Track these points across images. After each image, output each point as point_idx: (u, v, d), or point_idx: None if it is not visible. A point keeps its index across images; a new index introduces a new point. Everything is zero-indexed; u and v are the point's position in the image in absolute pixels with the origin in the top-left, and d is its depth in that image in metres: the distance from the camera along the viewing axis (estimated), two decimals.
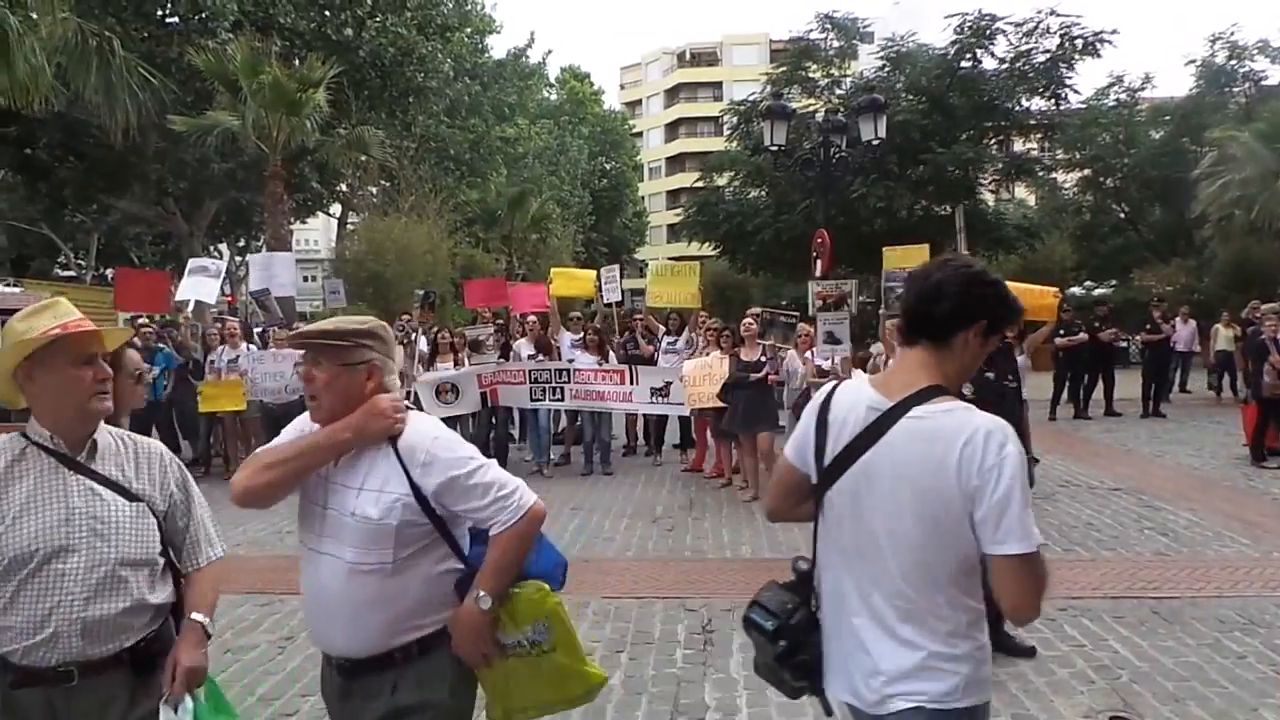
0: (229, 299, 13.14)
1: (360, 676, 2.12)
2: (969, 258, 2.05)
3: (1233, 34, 26.44)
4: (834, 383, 2.05)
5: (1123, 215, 28.83)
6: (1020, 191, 30.16)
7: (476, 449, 2.18)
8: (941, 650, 1.79)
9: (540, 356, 10.05)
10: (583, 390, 9.71)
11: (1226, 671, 4.19)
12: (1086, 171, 28.25)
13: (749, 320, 8.86)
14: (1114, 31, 20.32)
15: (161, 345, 10.54)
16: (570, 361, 9.93)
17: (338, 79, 16.59)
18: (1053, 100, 21.52)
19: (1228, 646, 4.48)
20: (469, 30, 28.04)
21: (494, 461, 2.17)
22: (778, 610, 2.00)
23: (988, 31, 20.65)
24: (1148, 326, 14.27)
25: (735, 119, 23.70)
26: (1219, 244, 21.16)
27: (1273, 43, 25.96)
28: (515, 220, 29.73)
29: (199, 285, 11.56)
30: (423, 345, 10.30)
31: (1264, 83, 26.22)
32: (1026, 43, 20.80)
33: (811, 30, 22.98)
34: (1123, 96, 27.44)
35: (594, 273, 11.87)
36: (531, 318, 10.83)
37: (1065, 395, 13.74)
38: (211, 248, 27.59)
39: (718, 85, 63.08)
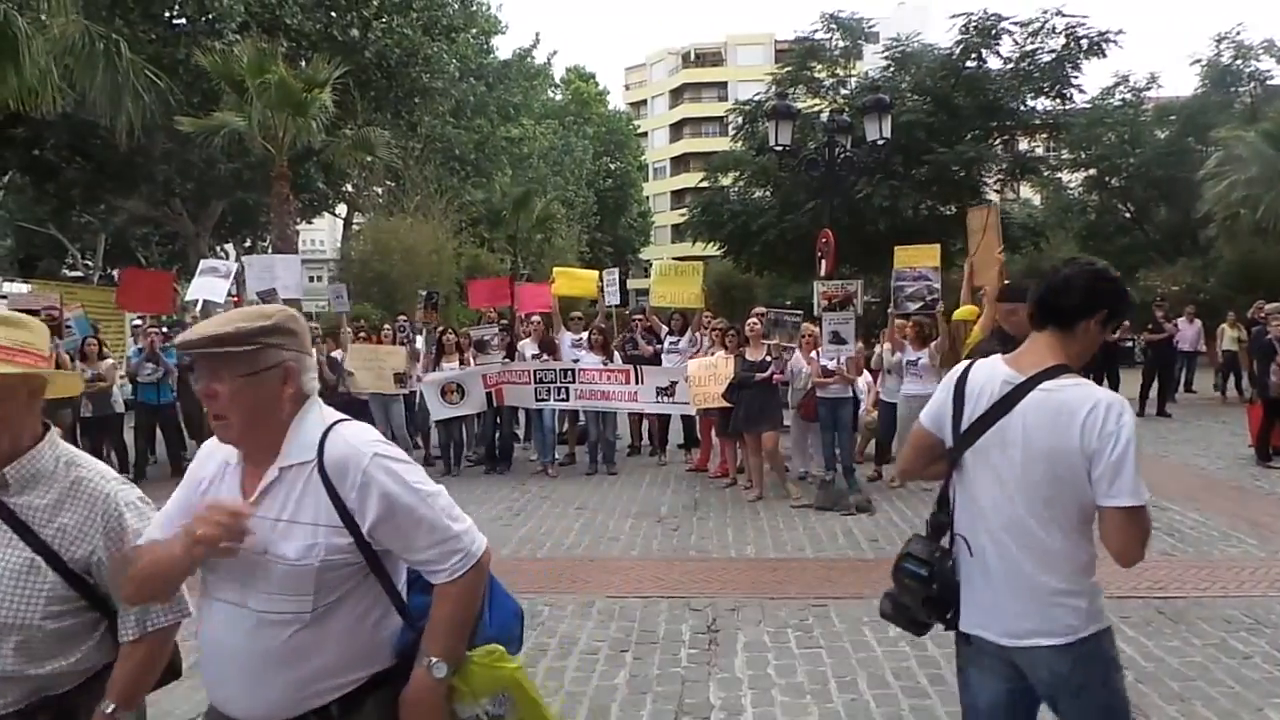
0: (235, 299, 13.15)
1: None
2: (1092, 257, 2.36)
3: (1238, 34, 26.40)
4: (968, 361, 2.35)
5: (1128, 215, 28.75)
6: (1025, 191, 30.10)
7: (423, 470, 1.83)
8: (1067, 587, 2.11)
9: (545, 356, 10.07)
10: (588, 390, 9.73)
11: (1232, 671, 4.18)
12: (1092, 171, 28.18)
13: (754, 320, 8.87)
14: (1119, 31, 20.27)
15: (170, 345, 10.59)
16: (575, 361, 9.95)
17: (343, 79, 16.62)
18: (1058, 100, 21.48)
19: (1233, 646, 4.48)
20: (474, 31, 28.07)
21: (443, 489, 1.83)
22: (928, 558, 2.35)
23: (993, 31, 20.61)
24: (1150, 326, 14.25)
25: (740, 119, 23.69)
26: (1224, 244, 21.12)
27: (1278, 42, 25.89)
28: (520, 220, 29.75)
29: (209, 285, 11.58)
30: (419, 344, 10.32)
31: (1270, 82, 26.14)
32: (1032, 42, 20.77)
33: (816, 30, 22.97)
34: (1128, 96, 27.39)
35: (597, 273, 11.88)
36: (535, 317, 10.85)
37: None
38: (218, 248, 27.69)
39: (722, 85, 63.06)
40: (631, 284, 32.20)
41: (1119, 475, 1.99)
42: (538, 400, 9.84)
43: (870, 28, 22.95)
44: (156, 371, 10.05)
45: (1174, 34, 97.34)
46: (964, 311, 7.05)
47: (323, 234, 46.54)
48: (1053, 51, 20.63)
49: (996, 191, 24.10)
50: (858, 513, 7.59)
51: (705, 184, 26.97)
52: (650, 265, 30.85)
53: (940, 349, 8.70)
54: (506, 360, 10.07)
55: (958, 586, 2.29)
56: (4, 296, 14.65)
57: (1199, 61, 27.16)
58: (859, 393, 8.80)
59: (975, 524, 2.24)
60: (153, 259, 30.43)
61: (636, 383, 9.73)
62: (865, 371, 9.31)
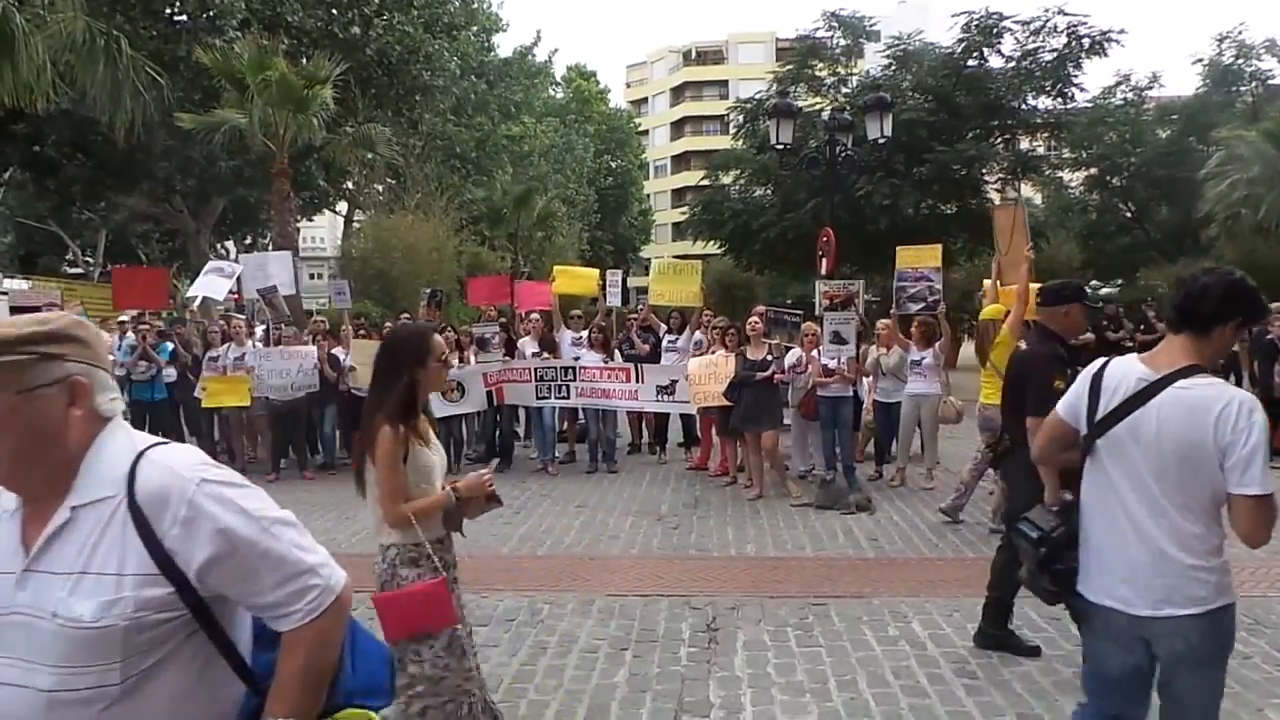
0: (235, 296, 13.18)
1: None
2: (1230, 267, 2.59)
3: (1240, 33, 26.43)
4: (1104, 359, 2.58)
5: (1129, 214, 28.75)
6: (1027, 190, 30.06)
7: (264, 494, 1.53)
8: (1199, 564, 2.33)
9: (545, 354, 10.07)
10: (589, 388, 9.73)
11: (1232, 672, 4.12)
12: (1093, 170, 28.18)
13: (755, 319, 8.87)
14: (1121, 31, 20.23)
15: (169, 342, 10.60)
16: (576, 359, 9.95)
17: (344, 77, 16.60)
18: (1059, 99, 21.45)
19: (1236, 648, 4.47)
20: (475, 29, 28.05)
21: (290, 515, 1.52)
22: (1043, 525, 2.65)
23: (994, 30, 20.58)
24: (1142, 326, 14.25)
25: (741, 117, 23.66)
26: (1226, 243, 21.09)
27: (1279, 42, 25.87)
28: (521, 218, 29.75)
29: (211, 283, 11.61)
30: None
31: (1271, 82, 26.15)
32: (1033, 41, 20.73)
33: (818, 29, 22.94)
34: (1130, 95, 27.39)
35: (597, 271, 11.88)
36: (535, 315, 10.85)
37: None
38: (218, 245, 27.70)
39: (723, 84, 63.05)
40: (632, 282, 32.19)
41: (1250, 467, 2.21)
42: (538, 398, 9.84)
43: (871, 26, 22.93)
44: (150, 369, 10.04)
45: (1175, 33, 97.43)
46: (992, 310, 7.02)
47: (323, 231, 46.56)
48: (1054, 50, 20.60)
49: (997, 190, 24.07)
50: (858, 511, 7.59)
51: (706, 182, 26.94)
52: (651, 263, 30.89)
53: (944, 348, 8.70)
54: (507, 358, 10.07)
55: (1070, 557, 2.56)
56: (4, 293, 14.68)
57: (1200, 61, 27.21)
58: (861, 392, 8.80)
59: (1110, 505, 2.47)
60: (153, 256, 30.44)
61: (637, 381, 9.74)
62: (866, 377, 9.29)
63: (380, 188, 27.00)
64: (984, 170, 21.63)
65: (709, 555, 6.49)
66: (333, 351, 10.20)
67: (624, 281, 13.14)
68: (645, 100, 71.14)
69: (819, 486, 8.17)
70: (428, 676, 2.85)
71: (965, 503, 7.26)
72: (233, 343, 10.05)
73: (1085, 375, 2.58)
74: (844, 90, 22.56)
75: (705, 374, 8.89)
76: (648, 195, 57.41)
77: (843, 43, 22.90)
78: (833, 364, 8.31)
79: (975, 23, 20.56)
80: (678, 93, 68.86)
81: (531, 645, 4.68)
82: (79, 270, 30.01)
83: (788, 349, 8.63)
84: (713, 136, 57.75)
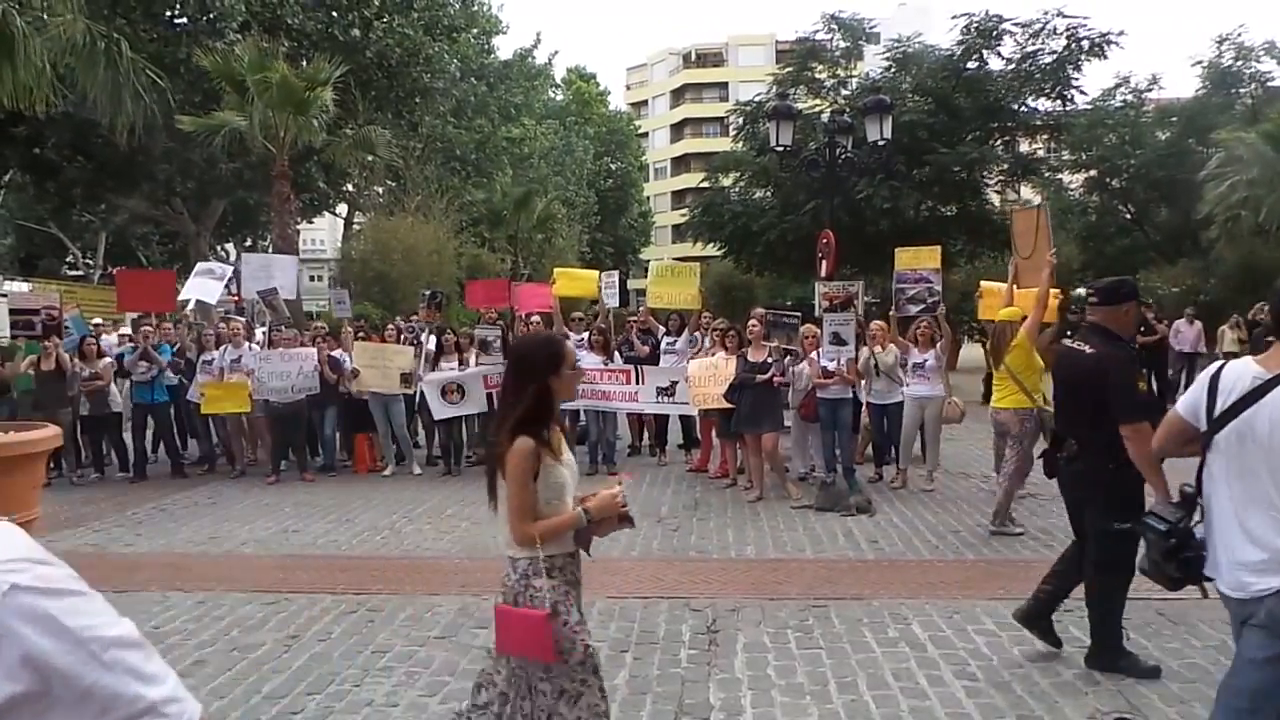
0: (234, 298, 13.21)
1: None
2: None
3: (1239, 35, 26.44)
4: (1221, 361, 2.77)
5: (1129, 216, 28.76)
6: (1026, 192, 30.08)
7: (100, 601, 1.06)
8: None
9: None
10: (589, 390, 9.73)
11: None
12: (1093, 172, 28.19)
13: (754, 321, 8.86)
14: (1121, 33, 20.26)
15: (169, 343, 10.61)
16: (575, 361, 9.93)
17: (344, 79, 16.62)
18: (1059, 101, 21.47)
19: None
20: (475, 31, 28.08)
21: (130, 628, 1.07)
22: (1169, 517, 2.85)
23: (994, 32, 20.60)
24: (1141, 328, 14.24)
25: (741, 119, 23.67)
26: (1225, 245, 21.09)
27: (1279, 44, 25.89)
28: (521, 220, 29.78)
29: (203, 286, 11.63)
30: (431, 345, 10.31)
31: (1270, 84, 26.16)
32: (1033, 44, 20.75)
33: (817, 31, 22.96)
34: (1129, 97, 27.40)
35: (597, 273, 11.88)
36: (535, 318, 10.84)
37: None
38: (218, 247, 27.71)
39: (723, 86, 63.10)
40: (632, 284, 32.20)
41: None
42: None
43: (871, 28, 22.95)
44: (150, 369, 10.04)
45: (1175, 35, 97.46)
46: (1009, 312, 7.00)
47: (323, 233, 46.52)
48: (1054, 53, 20.62)
49: (997, 193, 24.09)
50: (858, 514, 7.58)
51: (706, 184, 26.96)
52: (649, 266, 30.90)
53: (945, 349, 8.70)
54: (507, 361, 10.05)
55: (1197, 545, 2.76)
56: (4, 295, 14.68)
57: (1200, 63, 27.21)
58: (859, 393, 8.80)
59: (1224, 495, 2.64)
60: (153, 258, 30.45)
61: (637, 383, 9.74)
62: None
63: (380, 190, 27.05)
64: (984, 172, 21.64)
65: (709, 557, 6.49)
66: (333, 354, 10.20)
67: (623, 283, 13.15)
68: (645, 102, 71.20)
69: (819, 488, 8.16)
70: (565, 691, 2.75)
71: (1008, 505, 7.01)
72: (229, 345, 10.05)
73: (1205, 375, 2.78)
74: (844, 92, 22.58)
75: (705, 376, 8.89)
76: (648, 197, 57.42)
77: (842, 45, 22.91)
78: (832, 365, 8.32)
79: (975, 25, 20.58)
80: (678, 95, 68.92)
81: None
82: (79, 272, 30.02)
83: (786, 352, 8.62)
84: (713, 139, 57.80)
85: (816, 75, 22.92)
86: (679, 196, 61.19)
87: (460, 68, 25.22)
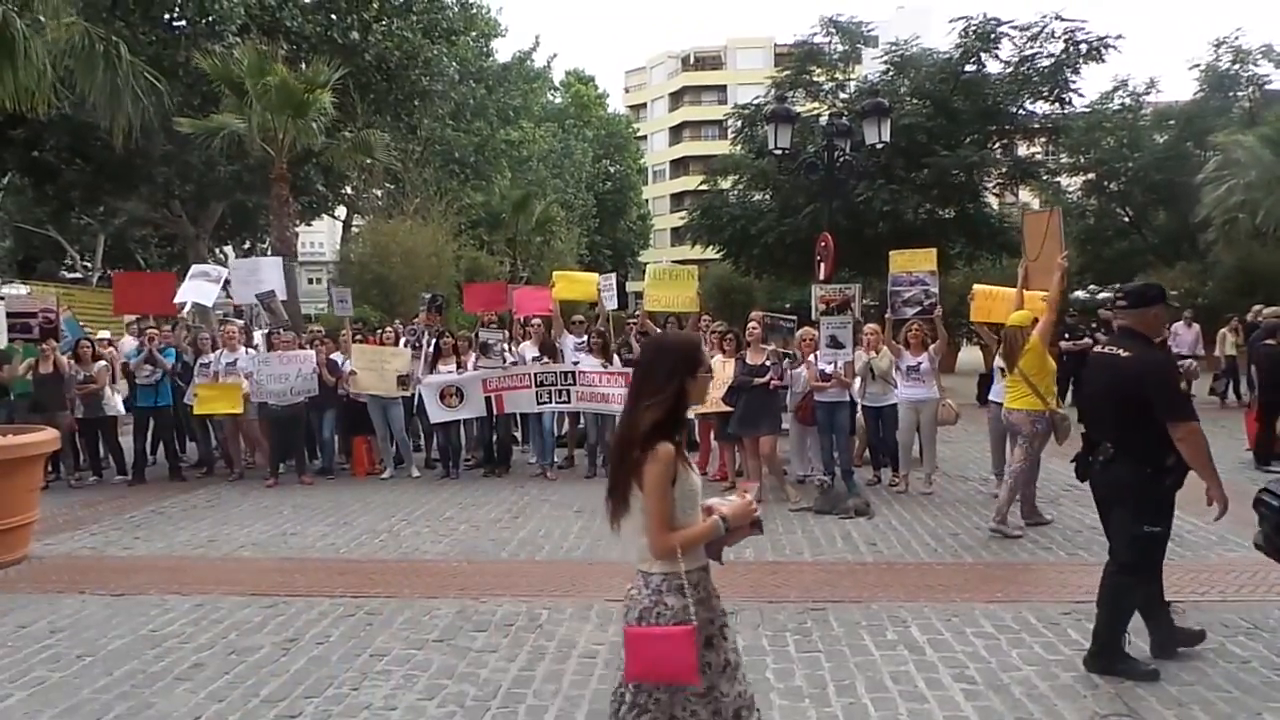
0: (233, 302, 13.20)
1: None
2: None
3: (1237, 39, 26.53)
4: None
5: (1127, 219, 28.81)
6: (1024, 195, 30.16)
7: None
8: None
9: (545, 359, 10.07)
10: (588, 393, 9.73)
11: (1230, 676, 4.18)
12: (1090, 175, 28.25)
13: (753, 324, 8.87)
14: (1118, 36, 20.35)
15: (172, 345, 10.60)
16: (575, 364, 9.95)
17: (343, 82, 16.62)
18: (1057, 104, 21.52)
19: (1231, 651, 4.48)
20: (474, 34, 28.08)
21: None
22: None
23: (992, 35, 20.67)
24: None
25: (739, 122, 23.73)
26: (1223, 248, 21.15)
27: (1277, 47, 26.01)
28: (519, 223, 29.78)
29: (198, 289, 11.61)
30: (432, 348, 10.31)
31: (1268, 87, 26.24)
32: (1031, 47, 20.82)
33: (816, 34, 23.03)
34: (1127, 100, 27.47)
35: (598, 276, 11.88)
36: (536, 320, 10.85)
37: (1070, 399, 13.71)
38: (217, 250, 27.68)
39: (722, 89, 63.19)
40: (631, 286, 32.20)
41: None
42: (539, 404, 9.84)
43: (869, 32, 23.02)
44: (155, 373, 10.03)
45: (1173, 39, 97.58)
46: (1020, 317, 6.96)
47: (322, 236, 46.53)
48: (1052, 56, 20.68)
49: (996, 196, 24.13)
50: (856, 516, 7.58)
51: (705, 187, 27.02)
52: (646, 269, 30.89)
53: (939, 351, 8.71)
54: (511, 364, 10.05)
55: None
56: (1, 298, 14.66)
57: (1197, 66, 27.29)
58: (855, 396, 8.81)
59: None
60: (152, 261, 30.42)
61: None
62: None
63: (379, 192, 27.04)
64: (983, 175, 21.69)
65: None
66: (331, 357, 10.20)
67: (622, 286, 13.14)
68: (644, 105, 71.30)
69: (818, 491, 8.17)
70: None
71: (1007, 507, 6.99)
72: (224, 349, 10.04)
73: None
74: (842, 95, 22.63)
75: None
76: (646, 200, 57.46)
77: (841, 48, 22.97)
78: (829, 369, 8.32)
79: (973, 28, 20.64)
80: (676, 98, 69.00)
81: (530, 650, 4.68)
82: (77, 275, 29.97)
83: (784, 355, 8.62)
84: (711, 141, 57.89)
85: (815, 78, 22.98)
86: (678, 199, 61.26)
87: (459, 70, 25.20)
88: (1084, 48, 20.32)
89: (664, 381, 2.58)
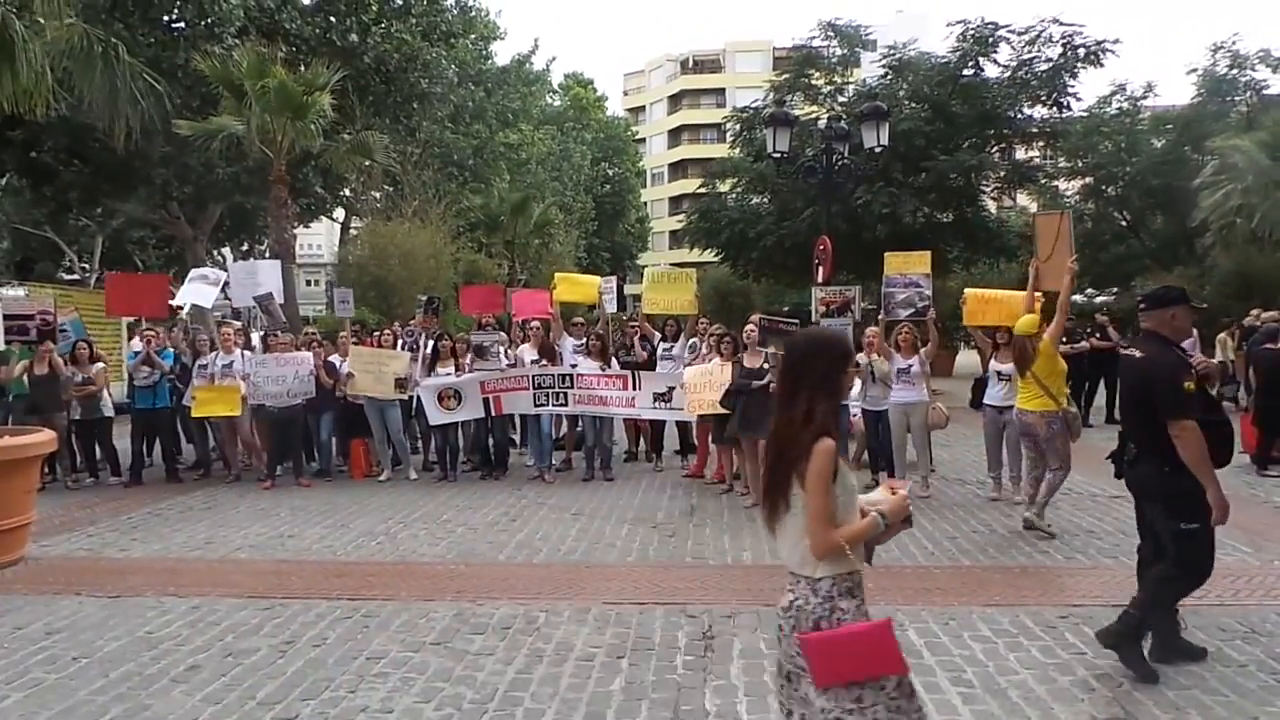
0: (232, 303, 13.22)
1: None
2: None
3: (1234, 43, 26.54)
4: None
5: (1124, 223, 28.84)
6: (1022, 199, 30.19)
7: None
8: None
9: (543, 362, 10.07)
10: (586, 396, 9.73)
11: (1227, 680, 4.18)
12: (1088, 179, 28.27)
13: (751, 327, 8.87)
14: (1116, 40, 20.33)
15: (171, 348, 10.59)
16: (573, 367, 9.95)
17: (342, 84, 16.62)
18: (1055, 108, 21.55)
19: (1229, 655, 4.48)
20: (473, 37, 28.14)
21: None
22: None
23: (990, 40, 20.68)
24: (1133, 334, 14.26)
25: (738, 126, 23.73)
26: (1221, 253, 21.17)
27: (1274, 52, 26.02)
28: (518, 226, 29.78)
29: (198, 291, 11.62)
30: (428, 350, 10.31)
31: (1265, 92, 26.27)
32: (1029, 51, 20.82)
33: (814, 38, 23.03)
34: (1125, 105, 27.48)
35: (599, 279, 11.90)
36: (534, 323, 10.85)
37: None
38: (215, 251, 27.68)
39: (720, 92, 63.27)
40: (629, 289, 32.23)
41: None
42: (536, 406, 9.84)
43: (868, 36, 23.02)
44: (152, 375, 10.02)
45: (1170, 43, 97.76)
46: (1027, 323, 6.94)
47: (320, 238, 46.54)
48: (1049, 60, 20.69)
49: (994, 199, 24.15)
50: None
51: (703, 190, 27.05)
52: (644, 272, 30.91)
53: (930, 354, 8.72)
54: (507, 366, 10.05)
55: None
56: None
57: (1195, 71, 27.29)
58: (854, 399, 8.81)
59: None
60: (150, 262, 30.40)
61: (634, 389, 9.74)
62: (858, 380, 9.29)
63: (378, 195, 27.07)
64: (981, 179, 21.71)
65: (705, 563, 6.49)
66: (329, 359, 10.19)
67: (621, 288, 13.16)
68: (642, 108, 71.39)
69: None
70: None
71: (1046, 502, 7.11)
72: (221, 351, 10.04)
73: None
74: (841, 99, 22.64)
75: (701, 382, 8.90)
76: (645, 203, 57.51)
77: (839, 52, 22.97)
78: None
79: (971, 32, 20.66)
80: (675, 101, 69.07)
81: (527, 653, 4.67)
82: (75, 277, 29.95)
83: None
84: (710, 145, 57.92)
85: (813, 82, 22.98)
86: (676, 202, 61.30)
87: (458, 73, 25.22)
88: (1082, 52, 20.33)
89: (821, 377, 2.56)
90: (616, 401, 9.80)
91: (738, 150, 24.39)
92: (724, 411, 8.48)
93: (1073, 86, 20.93)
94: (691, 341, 10.23)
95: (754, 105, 23.33)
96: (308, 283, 42.20)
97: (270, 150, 15.01)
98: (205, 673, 4.48)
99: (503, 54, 35.47)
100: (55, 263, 31.03)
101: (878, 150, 13.93)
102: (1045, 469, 7.00)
